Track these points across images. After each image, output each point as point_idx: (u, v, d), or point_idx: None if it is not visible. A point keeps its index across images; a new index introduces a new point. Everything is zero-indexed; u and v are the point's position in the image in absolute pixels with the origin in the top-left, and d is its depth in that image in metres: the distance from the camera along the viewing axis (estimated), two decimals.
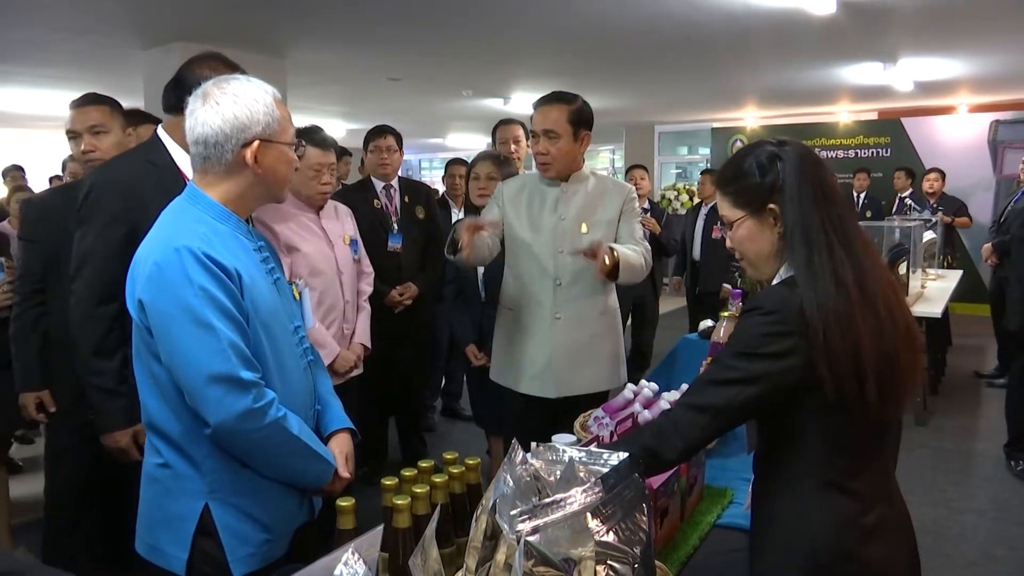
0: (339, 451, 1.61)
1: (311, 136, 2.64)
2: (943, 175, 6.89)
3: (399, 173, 3.84)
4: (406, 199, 3.80)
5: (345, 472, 1.59)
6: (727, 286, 5.52)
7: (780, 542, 1.29)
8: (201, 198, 1.47)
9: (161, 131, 2.08)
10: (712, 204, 6.16)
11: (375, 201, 3.71)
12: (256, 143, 1.44)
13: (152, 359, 1.42)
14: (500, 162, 3.10)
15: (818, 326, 1.18)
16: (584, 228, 2.47)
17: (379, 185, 3.77)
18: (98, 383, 1.96)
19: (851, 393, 1.19)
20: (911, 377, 1.28)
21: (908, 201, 7.03)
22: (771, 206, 1.29)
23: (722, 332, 2.22)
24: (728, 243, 1.39)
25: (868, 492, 1.28)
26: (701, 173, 6.78)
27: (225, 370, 1.35)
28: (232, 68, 1.94)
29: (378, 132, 3.81)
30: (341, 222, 2.83)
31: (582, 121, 2.44)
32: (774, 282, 1.33)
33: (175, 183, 1.76)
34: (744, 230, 1.34)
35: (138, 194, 1.93)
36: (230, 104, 1.43)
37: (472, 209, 3.12)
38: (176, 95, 1.97)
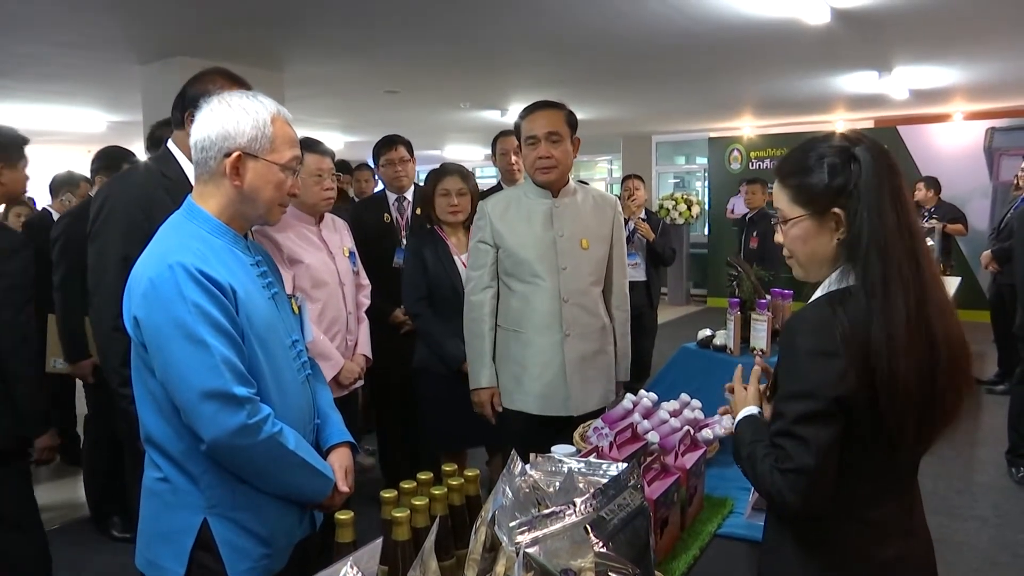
0: (339, 465, 1.60)
1: (305, 144, 2.63)
2: (934, 185, 6.86)
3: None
4: (418, 212, 3.64)
5: (344, 486, 1.58)
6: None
7: (787, 566, 1.27)
8: (198, 213, 1.48)
9: (171, 144, 2.10)
10: (751, 214, 6.17)
11: (385, 215, 3.59)
12: (236, 154, 1.44)
13: (149, 375, 1.42)
14: (465, 175, 3.02)
15: (883, 353, 1.09)
16: (585, 244, 2.46)
17: (392, 198, 3.63)
18: (129, 393, 1.98)
19: (899, 426, 1.12)
20: (944, 419, 1.19)
21: None
22: (836, 210, 1.19)
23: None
24: (778, 238, 1.30)
25: (887, 524, 1.23)
26: (747, 183, 6.41)
27: (218, 386, 1.35)
28: (236, 83, 1.95)
29: (387, 144, 3.62)
30: (339, 234, 2.83)
31: (574, 125, 2.46)
32: (818, 291, 1.24)
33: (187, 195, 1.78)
34: (799, 229, 1.24)
35: (151, 206, 1.93)
36: (223, 113, 1.44)
37: (438, 225, 3.02)
38: (180, 110, 2.00)
